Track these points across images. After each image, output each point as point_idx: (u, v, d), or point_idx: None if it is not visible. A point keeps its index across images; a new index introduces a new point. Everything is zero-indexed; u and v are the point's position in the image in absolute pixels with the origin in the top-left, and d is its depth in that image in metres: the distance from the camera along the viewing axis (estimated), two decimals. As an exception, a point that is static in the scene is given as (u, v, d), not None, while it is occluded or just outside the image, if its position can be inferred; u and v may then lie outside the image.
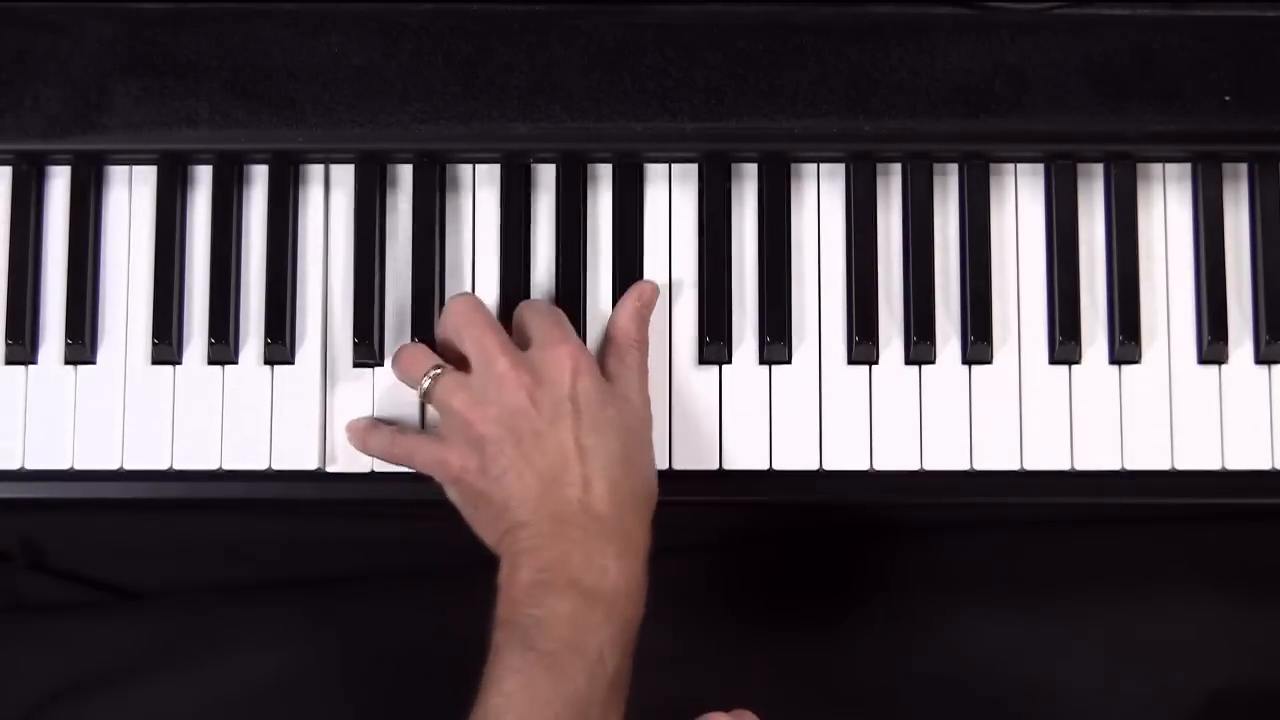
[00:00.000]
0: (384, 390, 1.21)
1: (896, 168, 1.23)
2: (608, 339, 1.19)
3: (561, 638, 1.08)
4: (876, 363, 1.21)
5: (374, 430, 1.18)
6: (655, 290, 1.20)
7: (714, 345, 1.21)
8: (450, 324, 1.17)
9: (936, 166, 1.23)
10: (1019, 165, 1.23)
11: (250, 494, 1.21)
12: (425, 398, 1.16)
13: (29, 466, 1.20)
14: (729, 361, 1.21)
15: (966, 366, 1.21)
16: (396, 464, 1.18)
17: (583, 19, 1.23)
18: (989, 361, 1.21)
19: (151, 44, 1.22)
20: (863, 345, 1.21)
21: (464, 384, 1.15)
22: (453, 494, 1.16)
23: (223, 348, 1.21)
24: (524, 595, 1.09)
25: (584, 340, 1.20)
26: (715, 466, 1.20)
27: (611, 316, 1.19)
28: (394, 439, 1.17)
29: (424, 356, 1.17)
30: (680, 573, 1.29)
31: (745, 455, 1.20)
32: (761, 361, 1.21)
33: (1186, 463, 1.20)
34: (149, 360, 1.21)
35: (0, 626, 1.33)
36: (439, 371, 1.16)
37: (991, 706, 1.27)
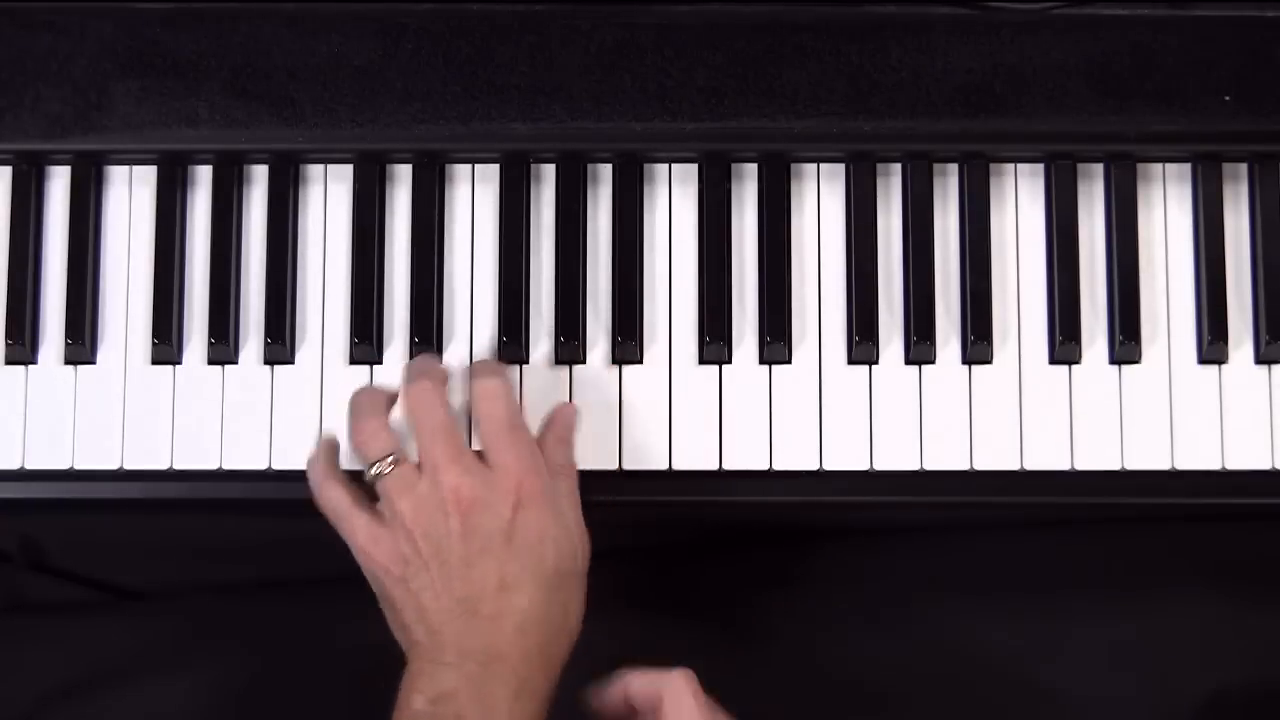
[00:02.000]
0: (384, 390, 1.21)
1: (896, 168, 1.23)
2: None
3: None
4: (876, 363, 1.21)
5: (328, 483, 1.15)
6: (573, 412, 1.18)
7: (714, 345, 1.21)
8: (408, 402, 1.14)
9: (936, 166, 1.23)
10: (1019, 165, 1.23)
11: (250, 494, 1.21)
12: (372, 482, 1.13)
13: (29, 466, 1.20)
14: (729, 361, 1.21)
15: (966, 366, 1.21)
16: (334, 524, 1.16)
17: (583, 19, 1.23)
18: (989, 361, 1.21)
19: (151, 44, 1.22)
20: (863, 345, 1.21)
21: (411, 486, 1.12)
22: (370, 580, 1.14)
23: (223, 348, 1.21)
24: None
25: (583, 337, 1.20)
26: (715, 466, 1.20)
27: (538, 441, 1.16)
28: (340, 507, 1.14)
29: (383, 436, 1.14)
30: (679, 572, 1.29)
31: (745, 455, 1.20)
32: (761, 361, 1.21)
33: (1186, 463, 1.20)
34: (149, 360, 1.22)
35: (0, 626, 1.33)
36: (392, 465, 1.12)
37: (991, 706, 1.27)
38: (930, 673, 1.27)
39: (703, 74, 1.22)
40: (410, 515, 1.11)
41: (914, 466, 1.20)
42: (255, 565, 1.33)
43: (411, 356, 1.21)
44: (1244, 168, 1.23)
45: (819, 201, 1.23)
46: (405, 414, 1.15)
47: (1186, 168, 1.23)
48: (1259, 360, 1.21)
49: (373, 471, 1.13)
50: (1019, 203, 1.23)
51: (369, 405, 1.15)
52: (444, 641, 1.09)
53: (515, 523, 1.11)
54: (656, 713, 1.06)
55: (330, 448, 1.17)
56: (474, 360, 1.18)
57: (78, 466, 1.20)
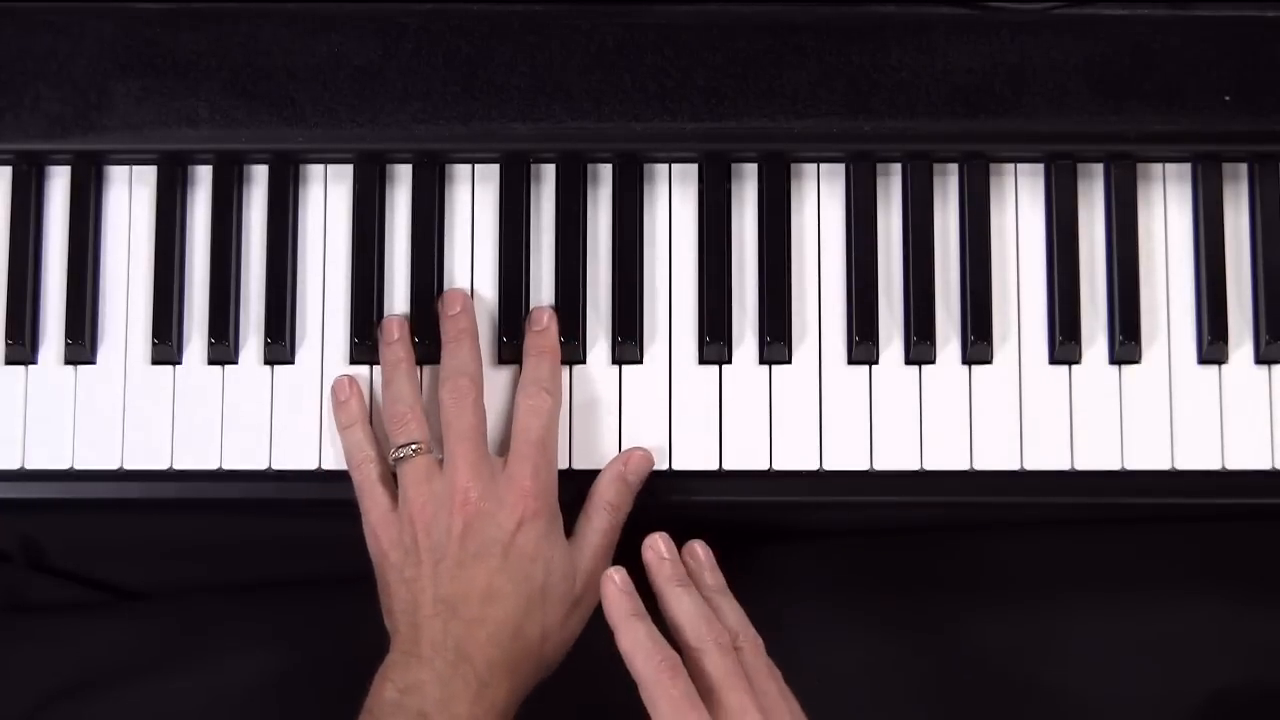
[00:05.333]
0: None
1: (896, 168, 1.23)
2: (589, 492, 1.19)
3: None
4: (876, 363, 1.21)
5: (363, 457, 1.18)
6: (646, 460, 1.20)
7: (714, 345, 1.21)
8: (443, 398, 1.17)
9: (936, 166, 1.23)
10: (1019, 165, 1.23)
11: (250, 494, 1.21)
12: (394, 463, 1.17)
13: (29, 466, 1.20)
14: (729, 361, 1.21)
15: (966, 366, 1.21)
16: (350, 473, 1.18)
17: (583, 19, 1.23)
18: (989, 361, 1.21)
19: (151, 44, 1.22)
20: (863, 345, 1.21)
21: (427, 479, 1.16)
22: (373, 560, 1.17)
23: (223, 348, 1.21)
24: (381, 712, 1.12)
25: (583, 337, 1.20)
26: (715, 466, 1.20)
27: (600, 473, 1.19)
28: (365, 481, 1.17)
29: (412, 423, 1.17)
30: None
31: (745, 455, 1.20)
32: (761, 361, 1.21)
33: (1186, 463, 1.20)
34: (149, 360, 1.22)
35: (0, 626, 1.33)
36: (414, 453, 1.16)
37: (991, 706, 1.27)
38: (930, 673, 1.27)
39: (703, 74, 1.22)
40: (418, 507, 1.15)
41: (914, 466, 1.20)
42: (255, 565, 1.32)
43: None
44: (1244, 168, 1.23)
45: (819, 201, 1.23)
46: (440, 408, 1.17)
47: (1186, 168, 1.23)
48: (1259, 360, 1.21)
49: (397, 454, 1.17)
50: (1019, 203, 1.23)
51: (407, 388, 1.18)
52: (422, 636, 1.13)
53: (515, 537, 1.14)
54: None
55: (365, 416, 1.19)
56: (534, 363, 1.19)
57: (78, 466, 1.20)
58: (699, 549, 1.17)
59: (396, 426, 1.17)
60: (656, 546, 1.15)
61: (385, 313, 1.22)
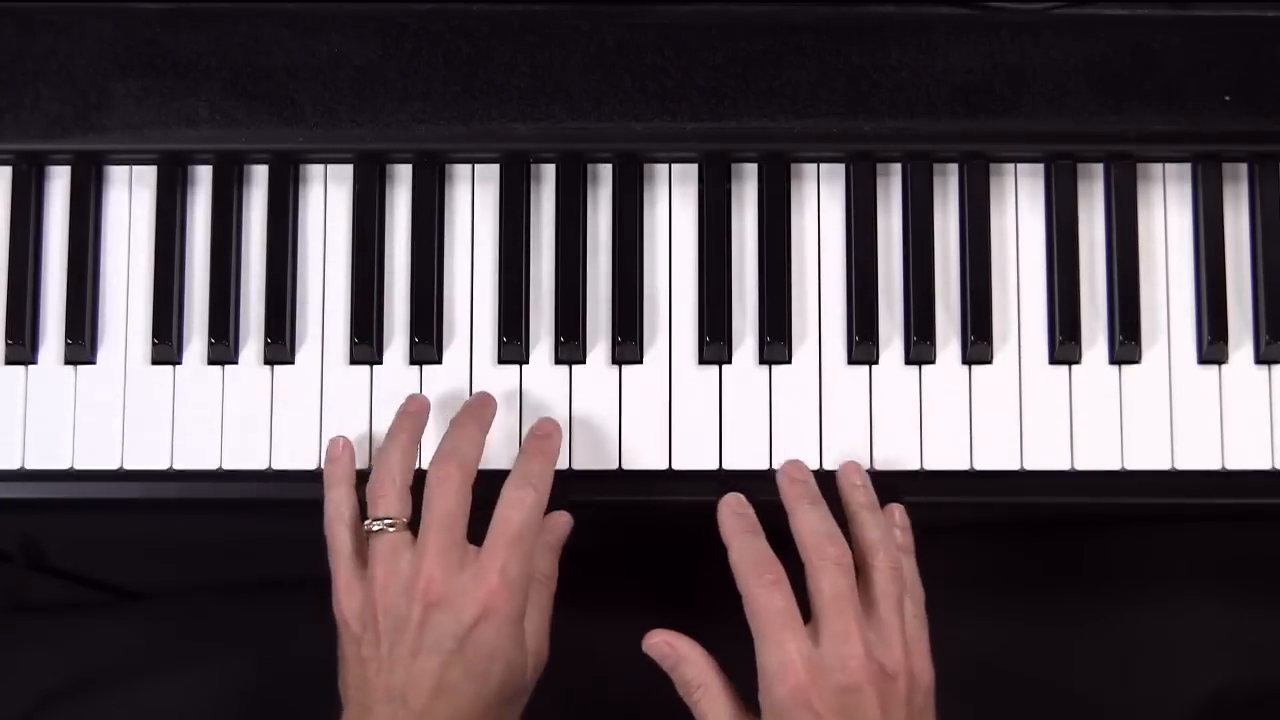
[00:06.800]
0: (384, 390, 1.21)
1: (896, 168, 1.23)
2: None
3: None
4: (876, 363, 1.21)
5: (338, 522, 1.15)
6: (568, 522, 1.19)
7: (714, 345, 1.21)
8: (429, 479, 1.13)
9: (936, 166, 1.23)
10: (1019, 165, 1.23)
11: (250, 494, 1.21)
12: (366, 532, 1.14)
13: (29, 466, 1.20)
14: (729, 361, 1.21)
15: (966, 366, 1.21)
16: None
17: (583, 19, 1.23)
18: (989, 361, 1.21)
19: (151, 44, 1.22)
20: (863, 345, 1.21)
21: (395, 557, 1.12)
22: (336, 619, 1.14)
23: (223, 348, 1.21)
24: None
25: (583, 337, 1.20)
26: (715, 466, 1.20)
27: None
28: (338, 545, 1.14)
29: (394, 499, 1.13)
30: (677, 573, 1.29)
31: (745, 455, 1.20)
32: (761, 361, 1.21)
33: (1186, 463, 1.20)
34: (149, 360, 1.22)
35: (0, 626, 1.33)
36: (390, 527, 1.13)
37: (991, 706, 1.27)
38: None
39: (703, 74, 1.22)
40: (380, 585, 1.12)
41: (914, 466, 1.20)
42: (255, 565, 1.32)
43: (412, 356, 1.21)
44: (1244, 168, 1.23)
45: (819, 201, 1.23)
46: (426, 483, 1.14)
47: (1186, 168, 1.23)
48: (1259, 360, 1.21)
49: (370, 526, 1.13)
50: (1019, 203, 1.23)
51: (397, 461, 1.15)
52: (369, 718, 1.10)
53: (473, 634, 1.10)
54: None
55: (350, 478, 1.17)
56: (528, 458, 1.16)
57: (78, 466, 1.20)
58: (852, 468, 1.17)
59: (376, 497, 1.14)
60: (789, 470, 1.15)
61: (385, 312, 1.22)
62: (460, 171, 1.24)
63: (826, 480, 1.20)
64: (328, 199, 1.24)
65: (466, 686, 1.10)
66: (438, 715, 1.10)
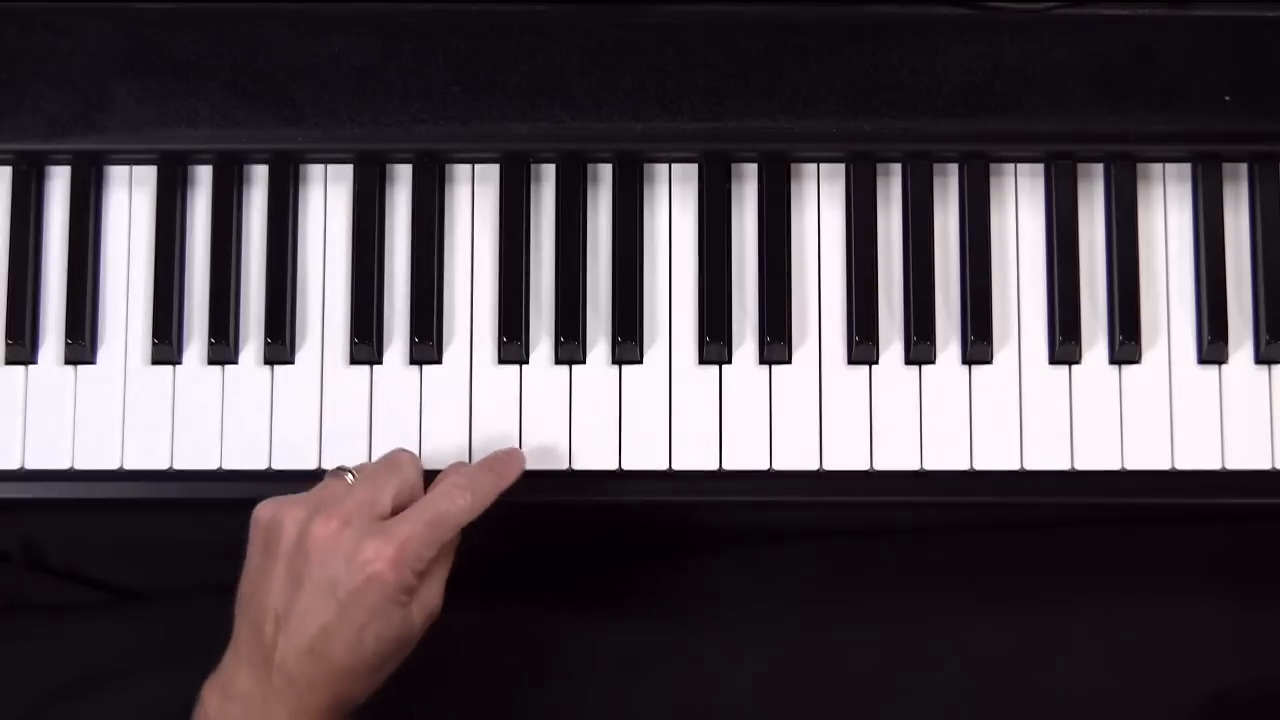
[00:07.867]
0: (384, 390, 1.21)
1: (896, 168, 1.23)
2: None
3: None
4: (876, 363, 1.21)
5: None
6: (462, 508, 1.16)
7: (714, 345, 1.21)
8: (453, 478, 1.14)
9: (936, 166, 1.23)
10: (1019, 165, 1.23)
11: (250, 494, 1.20)
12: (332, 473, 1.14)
13: (29, 466, 1.21)
14: (729, 361, 1.21)
15: (966, 366, 1.21)
16: None
17: (583, 19, 1.23)
18: (989, 361, 1.21)
19: (151, 44, 1.22)
20: (863, 345, 1.21)
21: (334, 482, 1.13)
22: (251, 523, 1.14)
23: (223, 348, 1.21)
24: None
25: (583, 337, 1.20)
26: (715, 466, 1.20)
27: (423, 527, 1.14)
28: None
29: (374, 472, 1.14)
30: (676, 573, 1.29)
31: (745, 455, 1.20)
32: (761, 361, 1.21)
33: (1186, 463, 1.20)
34: (149, 360, 1.22)
35: (0, 626, 1.33)
36: (343, 477, 1.13)
37: (991, 706, 1.27)
38: (929, 672, 1.27)
39: (703, 74, 1.22)
40: (303, 502, 1.11)
41: (914, 466, 1.20)
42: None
43: (412, 356, 1.21)
44: (1244, 168, 1.23)
45: (819, 201, 1.23)
46: (435, 481, 1.14)
47: (1186, 168, 1.23)
48: (1259, 360, 1.21)
49: (335, 466, 1.14)
50: (1019, 203, 1.23)
51: (409, 463, 1.15)
52: (252, 640, 1.11)
53: (361, 588, 1.09)
54: None
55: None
56: (485, 469, 1.16)
57: (78, 466, 1.20)
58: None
59: (361, 467, 1.15)
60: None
61: (385, 312, 1.22)
62: (460, 171, 1.24)
63: (825, 480, 1.20)
64: (328, 199, 1.24)
65: (343, 639, 1.09)
66: (317, 654, 1.09)
